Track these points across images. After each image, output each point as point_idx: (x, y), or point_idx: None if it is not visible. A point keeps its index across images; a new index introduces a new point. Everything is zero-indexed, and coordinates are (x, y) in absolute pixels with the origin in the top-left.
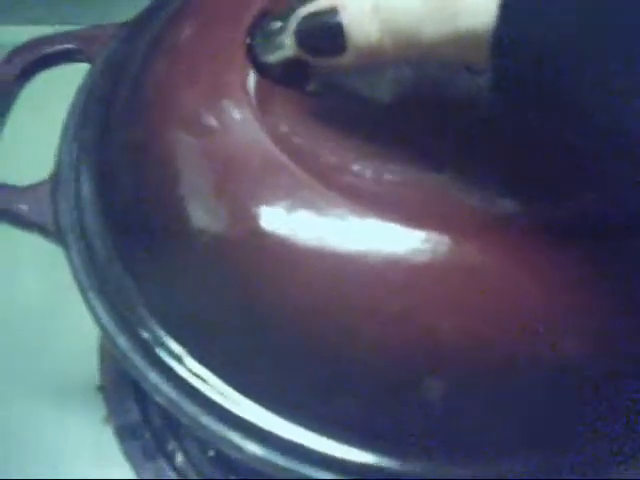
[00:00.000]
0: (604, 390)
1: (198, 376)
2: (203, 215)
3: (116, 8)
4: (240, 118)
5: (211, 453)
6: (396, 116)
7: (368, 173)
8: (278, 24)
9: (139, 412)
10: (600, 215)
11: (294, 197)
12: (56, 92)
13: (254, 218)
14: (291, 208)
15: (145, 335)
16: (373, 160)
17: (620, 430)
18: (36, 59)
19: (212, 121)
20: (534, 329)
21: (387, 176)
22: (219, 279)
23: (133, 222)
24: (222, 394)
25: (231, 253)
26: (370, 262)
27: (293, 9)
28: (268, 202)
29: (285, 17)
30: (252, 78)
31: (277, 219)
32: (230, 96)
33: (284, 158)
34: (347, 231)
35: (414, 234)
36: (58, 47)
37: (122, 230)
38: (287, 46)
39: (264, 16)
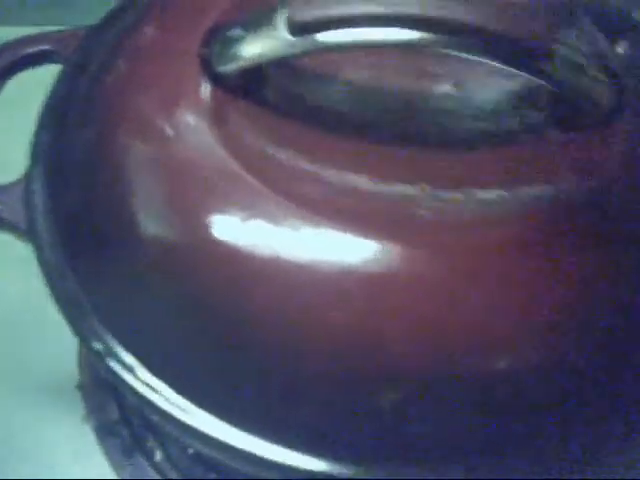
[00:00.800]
0: (547, 396)
1: (151, 387)
2: (154, 224)
3: (93, 11)
4: (194, 127)
5: (191, 451)
6: (352, 125)
7: (323, 182)
8: (235, 34)
9: (118, 410)
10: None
11: (247, 206)
12: (33, 93)
13: (206, 227)
14: (244, 217)
15: (97, 347)
16: (328, 169)
17: (559, 434)
18: (13, 60)
19: (166, 129)
20: (477, 338)
21: (342, 185)
22: (170, 289)
23: (83, 229)
24: (175, 405)
25: (183, 263)
26: (322, 271)
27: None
28: (221, 211)
29: (246, 26)
30: (207, 86)
31: (230, 228)
32: (184, 105)
33: (238, 167)
34: (300, 240)
35: (366, 243)
36: (34, 49)
37: (73, 238)
38: (244, 56)
39: (220, 26)
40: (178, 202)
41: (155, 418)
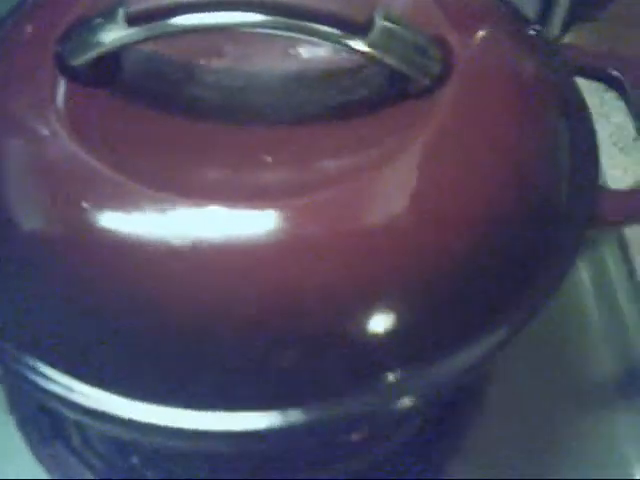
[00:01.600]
0: None
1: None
2: (24, 218)
3: None
4: (50, 131)
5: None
6: (201, 108)
7: (176, 165)
8: (83, 29)
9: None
10: None
11: (102, 196)
12: None
13: (68, 220)
14: (104, 207)
15: None
16: (181, 152)
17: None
18: None
19: (28, 130)
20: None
21: (197, 166)
22: (51, 277)
23: None
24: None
25: (56, 254)
26: (184, 245)
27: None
28: (80, 204)
29: (92, 21)
30: (62, 86)
31: (101, 220)
32: (39, 105)
33: (90, 161)
34: (162, 221)
35: (225, 214)
36: None
37: None
38: (88, 48)
39: (74, 23)
40: (40, 198)
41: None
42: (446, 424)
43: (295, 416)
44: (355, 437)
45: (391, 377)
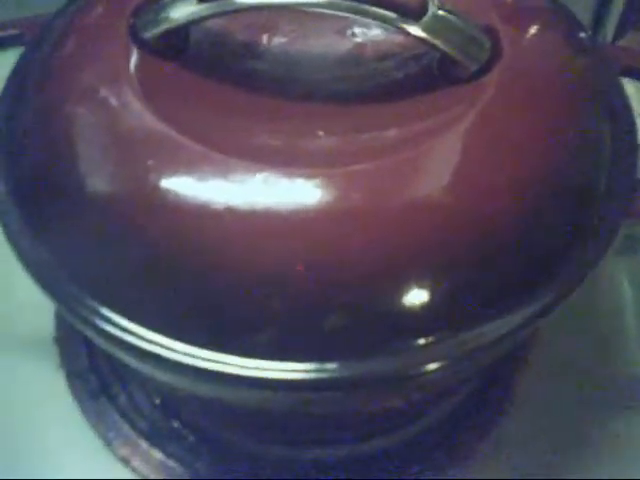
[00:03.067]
0: None
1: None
2: (98, 183)
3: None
4: (124, 98)
5: (157, 401)
6: (264, 81)
7: (242, 134)
8: (157, 5)
9: (87, 359)
10: None
11: (176, 160)
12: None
13: (141, 182)
14: (176, 171)
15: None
16: (247, 122)
17: None
18: None
19: (102, 97)
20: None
21: (264, 133)
22: (121, 236)
23: (38, 189)
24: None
25: (128, 213)
26: (251, 209)
27: None
28: (153, 167)
29: None
30: (135, 56)
31: (163, 182)
32: (117, 73)
33: (161, 126)
34: (228, 185)
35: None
36: (4, 33)
37: (29, 197)
38: (161, 22)
39: (147, 2)
40: (115, 163)
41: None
42: (476, 417)
43: (335, 369)
44: (388, 406)
45: (425, 340)
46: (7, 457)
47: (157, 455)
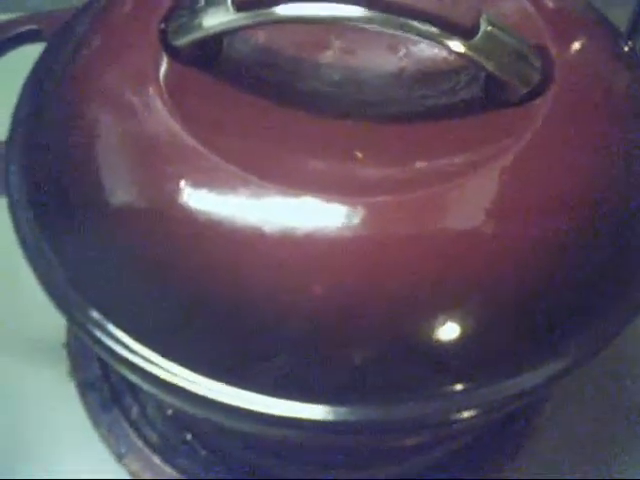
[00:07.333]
0: None
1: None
2: (118, 191)
3: None
4: (150, 103)
5: (169, 412)
6: (296, 97)
7: (271, 151)
8: (189, 11)
9: (99, 368)
10: None
11: (197, 174)
12: (22, 69)
13: (162, 195)
14: (196, 184)
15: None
16: (276, 140)
17: None
18: (5, 39)
19: (128, 102)
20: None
21: (290, 155)
22: (138, 251)
23: (54, 195)
24: (146, 359)
25: (145, 226)
26: (278, 234)
27: None
28: (175, 180)
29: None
30: (165, 64)
31: (183, 195)
32: (145, 79)
33: (188, 138)
34: (252, 206)
35: (326, 205)
36: (24, 28)
37: (45, 204)
38: (194, 30)
39: (178, 4)
40: (136, 170)
41: (133, 377)
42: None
43: (354, 413)
44: (412, 441)
45: (457, 387)
46: (15, 470)
47: (169, 470)
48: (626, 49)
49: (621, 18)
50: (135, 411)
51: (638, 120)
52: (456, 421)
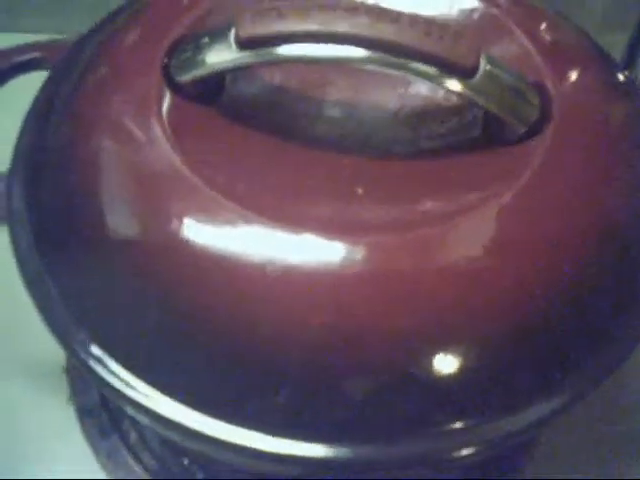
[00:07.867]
0: None
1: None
2: (118, 223)
3: (75, 19)
4: (152, 137)
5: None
6: (299, 133)
7: (273, 189)
8: (193, 47)
9: (98, 394)
10: None
11: (200, 212)
12: (24, 97)
13: (161, 229)
14: (195, 220)
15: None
16: (279, 176)
17: None
18: (6, 68)
19: (129, 135)
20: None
21: (291, 191)
22: (138, 285)
23: (55, 226)
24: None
25: (147, 261)
26: (276, 270)
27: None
28: (174, 214)
29: (203, 40)
30: (168, 99)
31: (182, 231)
32: (147, 113)
33: (190, 175)
34: (251, 242)
35: (326, 244)
36: (26, 57)
37: (46, 233)
38: (197, 67)
39: (182, 39)
40: (136, 204)
41: (129, 409)
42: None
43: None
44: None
45: (457, 425)
46: None
47: None
48: (622, 78)
49: (618, 44)
50: (133, 436)
51: (637, 152)
52: (459, 459)
